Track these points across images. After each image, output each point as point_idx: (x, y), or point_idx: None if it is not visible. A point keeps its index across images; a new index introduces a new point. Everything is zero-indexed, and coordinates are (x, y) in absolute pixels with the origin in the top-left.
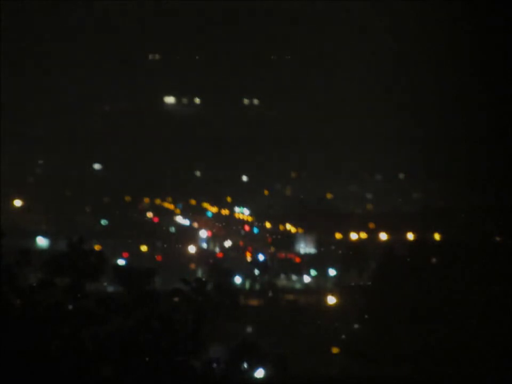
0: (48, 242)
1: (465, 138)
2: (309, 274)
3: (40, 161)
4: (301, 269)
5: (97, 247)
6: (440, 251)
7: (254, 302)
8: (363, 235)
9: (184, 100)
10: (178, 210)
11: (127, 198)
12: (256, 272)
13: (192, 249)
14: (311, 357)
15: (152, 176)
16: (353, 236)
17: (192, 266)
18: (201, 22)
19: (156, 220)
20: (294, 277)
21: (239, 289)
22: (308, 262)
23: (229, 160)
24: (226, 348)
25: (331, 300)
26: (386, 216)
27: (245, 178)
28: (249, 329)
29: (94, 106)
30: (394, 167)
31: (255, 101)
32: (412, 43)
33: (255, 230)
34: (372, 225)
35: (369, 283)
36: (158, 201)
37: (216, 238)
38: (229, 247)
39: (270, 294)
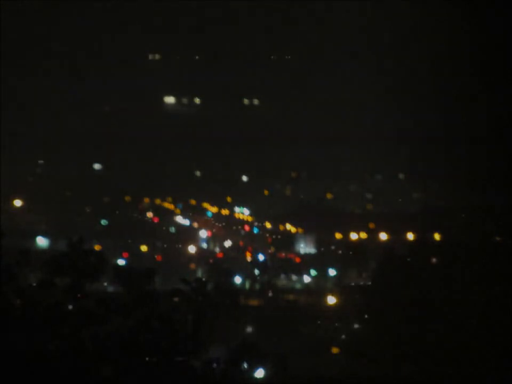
0: (48, 242)
1: (465, 138)
2: (309, 274)
3: (40, 161)
4: (301, 269)
5: (97, 247)
6: (440, 251)
7: (254, 302)
8: (363, 235)
9: (184, 100)
10: (178, 210)
11: (127, 198)
12: (256, 272)
13: (192, 249)
14: (311, 357)
15: (152, 176)
16: (353, 235)
17: (192, 266)
18: (201, 22)
19: (156, 220)
20: (294, 277)
21: (239, 289)
22: (308, 262)
23: (229, 160)
24: (226, 348)
25: (331, 299)
26: (386, 216)
27: (245, 178)
28: (249, 329)
29: (94, 106)
30: (394, 167)
31: (255, 101)
32: (412, 43)
33: (255, 230)
34: (372, 225)
35: (369, 283)
36: (158, 201)
37: (216, 238)
38: (229, 247)
39: (270, 294)
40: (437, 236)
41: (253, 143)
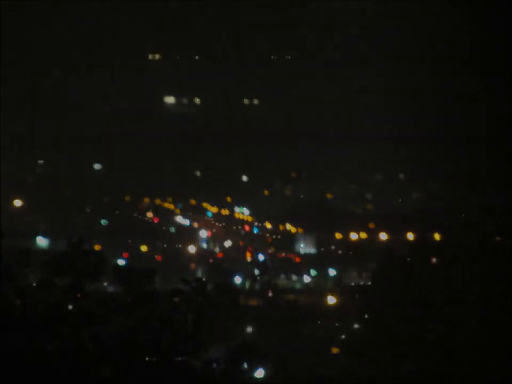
0: (48, 242)
1: (465, 138)
2: (309, 274)
3: (40, 161)
4: (301, 269)
5: (97, 247)
6: (440, 251)
7: (254, 302)
8: (363, 235)
9: (184, 100)
10: (178, 210)
11: (127, 198)
12: (256, 272)
13: (192, 249)
14: (311, 357)
15: (152, 176)
16: (353, 235)
17: (192, 266)
18: (201, 22)
19: (156, 220)
20: (294, 277)
21: (239, 289)
22: (308, 262)
23: (229, 160)
24: (226, 348)
25: (331, 299)
26: (386, 216)
27: (245, 178)
28: (249, 329)
29: (94, 106)
30: (394, 167)
31: (255, 101)
32: (412, 43)
33: (255, 230)
34: (372, 225)
35: (369, 283)
36: (158, 201)
37: (216, 238)
38: (229, 247)
39: (270, 294)
40: (437, 236)
41: (253, 143)
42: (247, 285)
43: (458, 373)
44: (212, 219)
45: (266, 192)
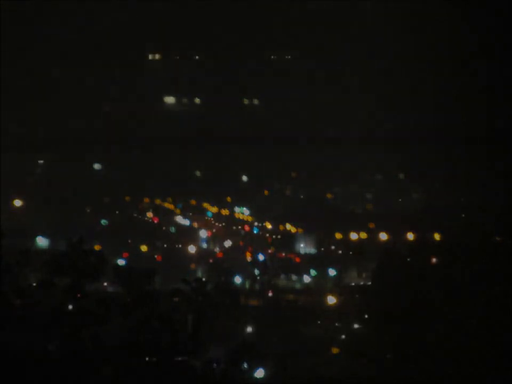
0: (48, 242)
1: (465, 138)
2: (309, 274)
3: (40, 161)
4: (301, 269)
5: (97, 247)
6: (440, 251)
7: (254, 302)
8: (363, 235)
9: (184, 100)
10: (178, 210)
11: (127, 198)
12: (256, 272)
13: (192, 249)
14: (311, 357)
15: (152, 176)
16: (353, 235)
17: (192, 266)
18: (201, 22)
19: (156, 220)
20: (294, 277)
21: (239, 289)
22: (308, 262)
23: (229, 160)
24: (226, 348)
25: (331, 299)
26: (386, 216)
27: (245, 178)
28: (249, 329)
29: (94, 106)
30: (394, 167)
31: (255, 101)
32: (412, 43)
33: (255, 230)
34: (372, 225)
35: (369, 283)
36: (158, 201)
37: (216, 238)
38: (229, 247)
39: (270, 294)
40: (437, 236)
41: (253, 143)
42: (247, 285)
43: (458, 373)
44: (212, 219)
45: (266, 192)
